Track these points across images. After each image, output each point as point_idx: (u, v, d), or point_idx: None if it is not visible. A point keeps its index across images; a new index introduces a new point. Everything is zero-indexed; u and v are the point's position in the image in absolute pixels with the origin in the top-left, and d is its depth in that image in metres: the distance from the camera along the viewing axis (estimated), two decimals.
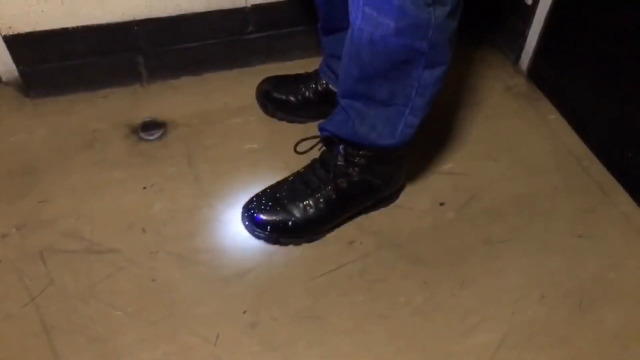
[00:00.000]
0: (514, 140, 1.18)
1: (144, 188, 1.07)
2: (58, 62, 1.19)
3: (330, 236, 1.01)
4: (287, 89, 1.18)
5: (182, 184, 1.08)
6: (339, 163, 0.96)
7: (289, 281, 0.94)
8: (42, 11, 1.10)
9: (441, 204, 1.06)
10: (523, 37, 1.29)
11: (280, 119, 1.20)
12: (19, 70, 1.19)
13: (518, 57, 1.33)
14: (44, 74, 1.20)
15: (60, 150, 1.13)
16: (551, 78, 1.27)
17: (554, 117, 1.24)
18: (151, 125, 1.18)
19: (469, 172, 1.12)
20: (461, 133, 1.19)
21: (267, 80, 1.22)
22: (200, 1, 1.19)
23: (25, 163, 1.10)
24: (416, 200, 1.07)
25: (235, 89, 1.27)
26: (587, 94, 1.18)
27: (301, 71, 1.22)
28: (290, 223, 0.96)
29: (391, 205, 1.06)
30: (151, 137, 1.16)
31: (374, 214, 1.04)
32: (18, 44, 1.14)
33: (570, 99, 1.22)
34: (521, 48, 1.31)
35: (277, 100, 1.19)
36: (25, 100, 1.22)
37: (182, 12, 1.19)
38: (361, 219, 1.03)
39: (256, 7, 1.23)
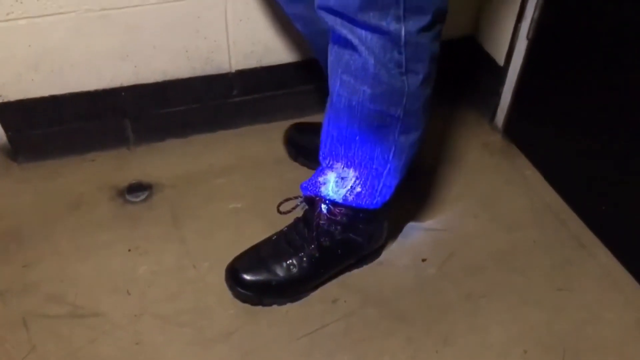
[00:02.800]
0: (492, 196, 1.22)
1: (129, 250, 1.07)
2: (46, 127, 1.21)
3: (313, 295, 1.01)
4: (310, 136, 1.22)
5: (167, 245, 1.09)
6: (321, 222, 0.98)
7: (273, 342, 0.94)
8: (32, 80, 1.14)
9: (423, 260, 1.08)
10: (497, 95, 1.34)
11: (302, 164, 1.25)
12: (8, 136, 1.21)
13: (494, 115, 1.38)
14: (32, 139, 1.22)
15: (46, 214, 1.14)
16: (526, 135, 1.31)
17: (531, 173, 1.27)
18: (137, 187, 1.20)
19: (450, 228, 1.14)
20: (441, 189, 1.22)
21: (293, 126, 1.28)
22: (186, 67, 1.23)
23: (10, 227, 1.11)
24: (398, 256, 1.09)
25: (219, 150, 1.30)
26: (562, 150, 1.22)
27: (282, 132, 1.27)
28: (273, 283, 0.97)
29: (374, 263, 1.07)
30: (137, 199, 1.17)
31: (357, 272, 1.06)
32: (8, 111, 1.17)
33: (546, 154, 1.27)
34: (496, 106, 1.37)
35: (299, 145, 1.24)
36: (13, 165, 1.24)
37: (168, 78, 1.23)
38: (344, 277, 1.04)
39: (240, 72, 1.28)
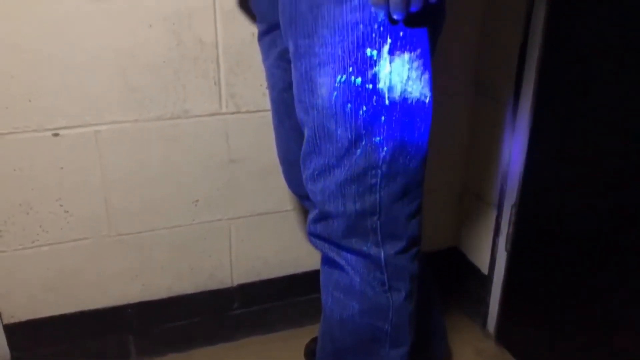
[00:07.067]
0: None
1: None
2: (51, 346, 1.25)
3: None
4: None
5: None
6: None
7: None
8: (45, 300, 1.22)
9: None
10: (485, 303, 1.41)
11: None
12: (12, 356, 1.24)
13: (484, 321, 1.42)
14: (36, 358, 1.25)
15: None
16: (519, 340, 1.34)
17: None
18: None
19: None
20: None
21: (314, 339, 1.27)
22: (190, 284, 1.32)
23: None
24: None
25: None
26: (555, 355, 1.24)
27: (283, 344, 1.30)
28: None
29: None
30: None
31: None
32: (17, 331, 1.22)
33: None
34: (485, 313, 1.42)
35: None
36: None
37: (173, 294, 1.31)
38: None
39: (241, 286, 1.36)
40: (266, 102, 1.18)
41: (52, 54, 1.04)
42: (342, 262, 0.87)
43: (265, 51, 0.99)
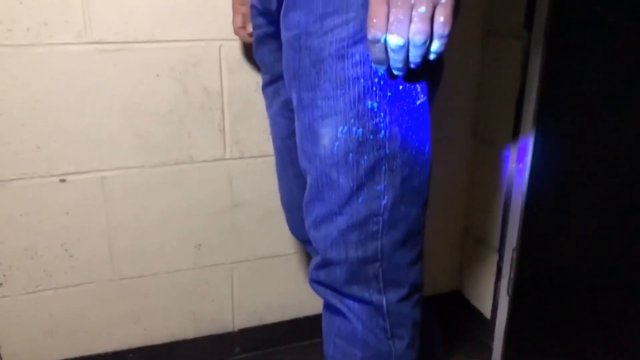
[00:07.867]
0: None
1: None
2: None
3: None
4: None
5: None
6: None
7: None
8: (46, 345, 1.21)
9: None
10: (488, 347, 1.39)
11: None
12: None
13: None
14: None
15: None
16: None
17: None
18: None
19: None
20: None
21: None
22: (192, 328, 1.31)
23: None
24: None
25: None
26: None
27: None
28: None
29: None
30: None
31: None
32: None
33: None
34: (488, 357, 1.40)
35: None
36: None
37: (175, 339, 1.30)
38: None
39: (243, 331, 1.36)
40: (269, 148, 1.21)
41: (61, 103, 1.08)
42: (344, 309, 0.87)
43: (269, 100, 1.02)
